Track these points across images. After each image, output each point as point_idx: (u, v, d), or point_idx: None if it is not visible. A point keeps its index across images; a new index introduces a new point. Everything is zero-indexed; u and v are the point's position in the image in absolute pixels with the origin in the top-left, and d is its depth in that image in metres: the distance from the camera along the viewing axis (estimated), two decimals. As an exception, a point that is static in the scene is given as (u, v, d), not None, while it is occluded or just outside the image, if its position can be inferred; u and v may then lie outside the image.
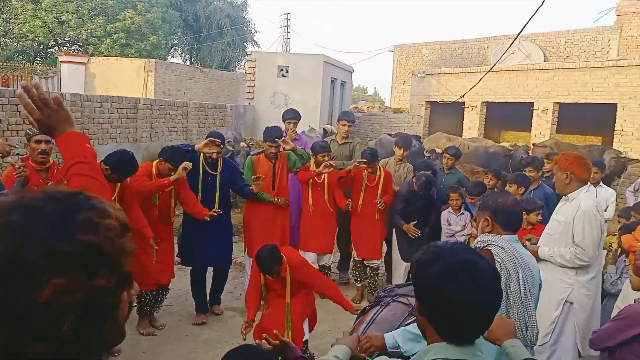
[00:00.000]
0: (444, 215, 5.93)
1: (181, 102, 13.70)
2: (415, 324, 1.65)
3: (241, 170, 6.03)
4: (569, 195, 3.72)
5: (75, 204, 0.82)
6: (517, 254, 2.48)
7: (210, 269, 5.53)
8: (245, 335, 3.85)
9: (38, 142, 4.14)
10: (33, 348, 0.74)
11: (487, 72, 13.84)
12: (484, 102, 17.59)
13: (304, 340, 4.08)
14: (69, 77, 20.40)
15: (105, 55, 22.57)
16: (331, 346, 2.14)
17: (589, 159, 4.03)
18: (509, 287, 2.44)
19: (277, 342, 2.14)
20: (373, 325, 2.63)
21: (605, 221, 5.40)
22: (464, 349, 1.46)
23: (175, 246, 5.37)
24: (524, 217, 4.70)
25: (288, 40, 33.50)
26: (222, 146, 5.23)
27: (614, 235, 5.07)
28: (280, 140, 5.52)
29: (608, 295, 4.22)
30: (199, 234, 5.19)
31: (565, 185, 3.73)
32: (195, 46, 30.54)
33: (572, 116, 16.59)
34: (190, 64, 30.19)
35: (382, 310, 2.71)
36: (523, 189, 5.55)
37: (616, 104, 14.39)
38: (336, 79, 18.94)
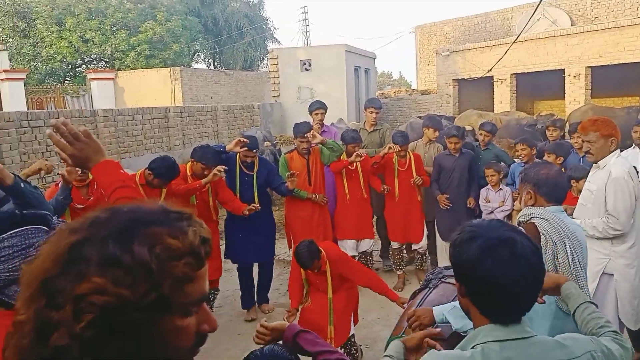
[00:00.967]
0: (482, 192, 5.83)
1: (209, 107, 13.91)
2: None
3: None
4: (599, 162, 3.59)
5: (159, 218, 0.84)
6: (562, 225, 2.44)
7: (256, 268, 5.61)
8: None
9: None
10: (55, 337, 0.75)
11: (513, 43, 13.56)
12: (513, 74, 17.21)
13: (350, 334, 4.10)
14: (99, 93, 20.89)
15: (131, 69, 23.01)
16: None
17: (627, 121, 3.89)
18: (557, 258, 2.40)
19: (267, 332, 1.89)
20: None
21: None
22: (513, 328, 1.43)
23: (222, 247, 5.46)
24: (574, 184, 4.60)
25: (308, 33, 33.70)
26: (255, 150, 5.30)
27: None
28: (310, 134, 5.55)
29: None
30: (242, 231, 5.28)
31: (608, 152, 3.57)
32: (217, 50, 30.84)
33: (606, 79, 16.09)
34: (214, 68, 30.53)
35: (430, 293, 2.71)
36: (562, 158, 5.42)
37: (651, 61, 13.93)
38: (359, 66, 18.79)
